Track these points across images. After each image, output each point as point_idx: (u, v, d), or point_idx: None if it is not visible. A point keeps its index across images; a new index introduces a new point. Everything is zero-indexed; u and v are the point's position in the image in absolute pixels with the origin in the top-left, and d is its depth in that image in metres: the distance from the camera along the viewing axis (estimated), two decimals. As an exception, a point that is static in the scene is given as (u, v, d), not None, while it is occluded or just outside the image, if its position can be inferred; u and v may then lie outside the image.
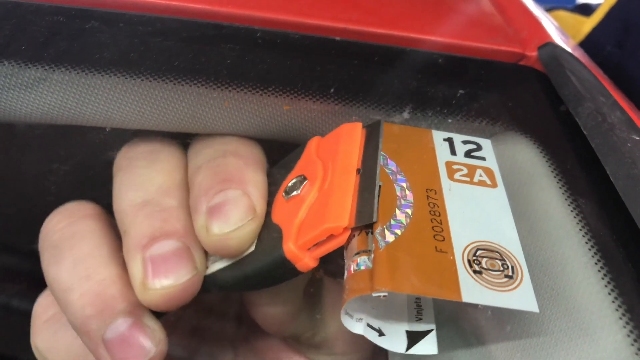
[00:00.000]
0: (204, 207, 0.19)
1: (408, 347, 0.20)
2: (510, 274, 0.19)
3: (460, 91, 0.25)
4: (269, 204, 0.21)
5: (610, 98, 0.27)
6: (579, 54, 0.37)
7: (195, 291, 0.20)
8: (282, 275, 0.20)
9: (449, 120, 0.24)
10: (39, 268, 0.21)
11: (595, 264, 0.20)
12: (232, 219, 0.19)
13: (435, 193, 0.21)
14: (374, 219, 0.19)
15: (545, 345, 0.19)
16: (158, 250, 0.19)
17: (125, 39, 0.25)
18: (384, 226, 0.19)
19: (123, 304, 0.19)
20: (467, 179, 0.22)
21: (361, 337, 0.19)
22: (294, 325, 0.24)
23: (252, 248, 0.20)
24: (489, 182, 0.22)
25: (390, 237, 0.19)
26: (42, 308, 0.22)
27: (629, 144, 0.24)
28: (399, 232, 0.19)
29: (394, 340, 0.20)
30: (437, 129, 0.24)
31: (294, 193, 0.20)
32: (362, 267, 0.18)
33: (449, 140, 0.23)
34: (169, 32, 0.26)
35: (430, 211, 0.20)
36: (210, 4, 0.27)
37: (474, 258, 0.19)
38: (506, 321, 0.20)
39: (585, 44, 0.49)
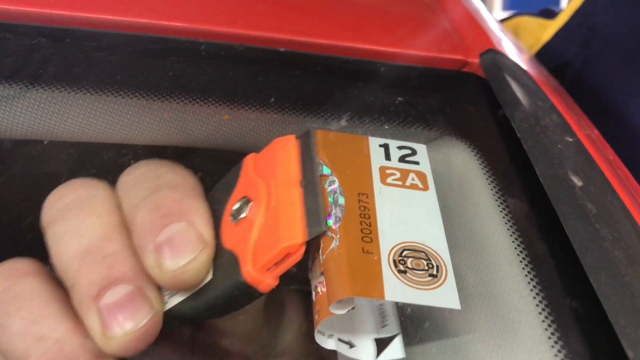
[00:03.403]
0: (151, 246, 0.19)
1: (377, 354, 0.20)
2: (434, 273, 0.19)
3: (399, 98, 0.26)
4: (216, 229, 0.21)
5: (548, 102, 0.28)
6: (528, 59, 0.38)
7: (157, 330, 0.19)
8: (244, 299, 0.20)
9: (386, 127, 0.25)
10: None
11: (520, 261, 0.21)
12: (183, 252, 0.19)
13: (367, 197, 0.22)
14: (323, 228, 0.19)
15: (472, 341, 0.20)
16: (111, 298, 0.19)
17: (71, 54, 0.26)
18: None
19: (85, 356, 0.19)
20: (400, 182, 0.22)
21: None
22: (255, 340, 0.24)
23: (209, 277, 0.20)
24: (420, 185, 0.23)
25: None
26: None
27: (559, 146, 0.25)
28: None
29: (363, 350, 0.20)
30: (375, 135, 0.25)
31: (242, 216, 0.20)
32: None
33: (385, 146, 0.24)
34: (115, 46, 0.26)
35: (360, 214, 0.21)
36: (157, 19, 0.28)
37: (400, 258, 0.19)
38: (427, 318, 0.21)
39: (549, 47, 0.50)
